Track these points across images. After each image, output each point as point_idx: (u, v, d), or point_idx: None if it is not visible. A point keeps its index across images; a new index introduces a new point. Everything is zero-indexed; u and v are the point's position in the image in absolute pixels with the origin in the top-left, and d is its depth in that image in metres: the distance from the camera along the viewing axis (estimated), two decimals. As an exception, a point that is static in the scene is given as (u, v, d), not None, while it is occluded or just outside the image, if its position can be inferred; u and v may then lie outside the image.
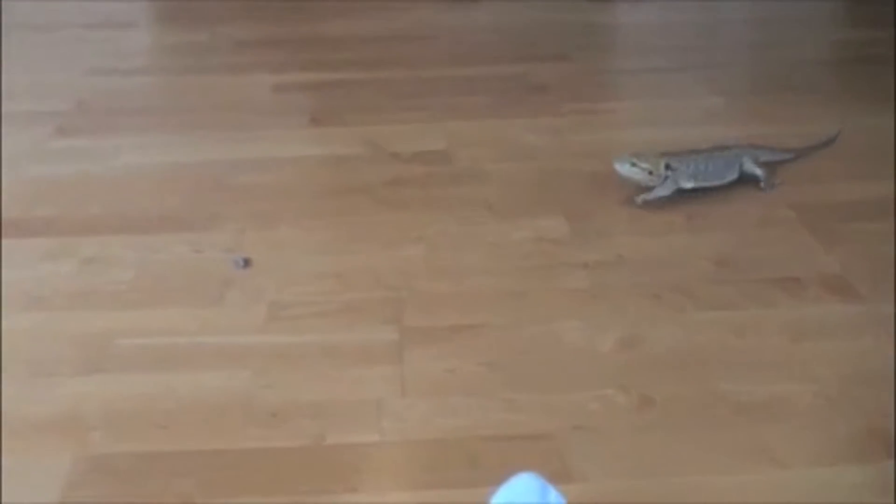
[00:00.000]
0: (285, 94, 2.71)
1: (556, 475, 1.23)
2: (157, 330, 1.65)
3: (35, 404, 1.48)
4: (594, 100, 2.64)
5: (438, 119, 2.49)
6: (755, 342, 1.60)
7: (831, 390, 1.48)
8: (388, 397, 1.48)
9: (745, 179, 2.06)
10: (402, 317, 1.67)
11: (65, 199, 2.10)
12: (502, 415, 1.44)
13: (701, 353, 1.57)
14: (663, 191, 1.98)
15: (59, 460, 1.37)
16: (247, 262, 1.84)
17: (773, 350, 1.58)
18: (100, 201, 2.09)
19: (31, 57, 3.02)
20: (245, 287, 1.77)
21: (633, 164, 1.97)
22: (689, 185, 2.00)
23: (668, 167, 1.97)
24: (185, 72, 2.92)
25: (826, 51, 3.06)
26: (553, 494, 1.09)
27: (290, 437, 1.41)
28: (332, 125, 2.49)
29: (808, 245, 1.87)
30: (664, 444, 1.39)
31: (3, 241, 1.92)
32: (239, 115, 2.55)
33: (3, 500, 1.29)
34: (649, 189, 1.99)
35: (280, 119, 2.53)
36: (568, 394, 1.48)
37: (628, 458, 1.36)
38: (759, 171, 2.04)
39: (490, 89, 2.70)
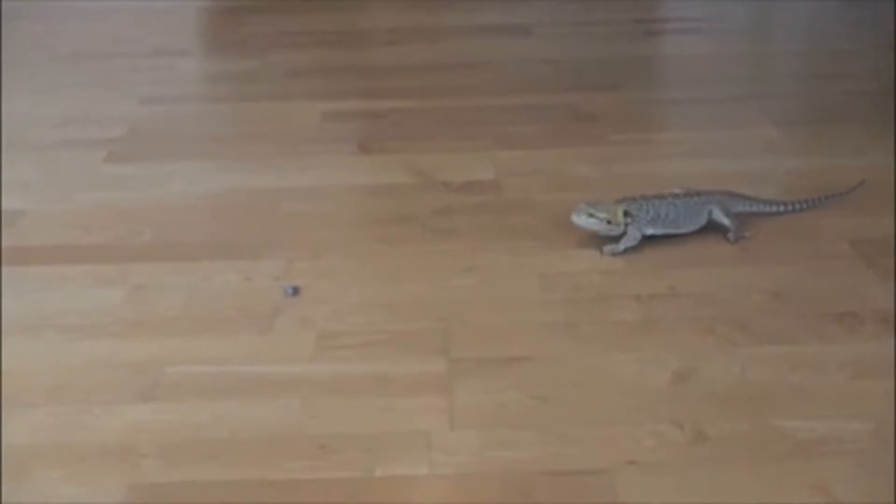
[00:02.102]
0: (334, 122, 2.73)
1: (610, 512, 1.22)
2: (207, 358, 1.67)
3: (88, 432, 1.50)
4: (644, 130, 2.64)
5: (488, 148, 2.50)
6: (812, 378, 1.58)
7: (889, 429, 1.45)
8: (437, 429, 1.48)
9: (714, 228, 2.00)
10: (451, 348, 1.67)
11: (116, 226, 2.13)
12: (554, 449, 1.44)
13: (756, 389, 1.56)
14: (629, 241, 1.94)
15: (112, 489, 1.38)
16: (296, 291, 1.85)
17: (830, 386, 1.56)
18: (150, 228, 2.12)
19: (84, 84, 3.07)
20: (294, 316, 1.78)
21: (591, 215, 1.93)
22: (648, 231, 1.95)
23: (626, 214, 1.94)
24: (235, 99, 2.96)
25: (884, 82, 3.02)
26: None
27: (338, 468, 1.41)
28: (380, 153, 2.51)
29: (864, 279, 1.85)
30: (719, 480, 1.37)
31: (54, 268, 1.95)
32: (288, 144, 2.57)
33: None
34: (613, 239, 1.95)
35: (329, 147, 2.55)
36: (621, 428, 1.47)
37: (682, 495, 1.35)
38: (726, 222, 1.98)
39: (539, 119, 2.70)
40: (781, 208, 2.09)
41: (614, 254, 1.94)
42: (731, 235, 1.98)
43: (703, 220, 1.99)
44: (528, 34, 3.49)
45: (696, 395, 1.54)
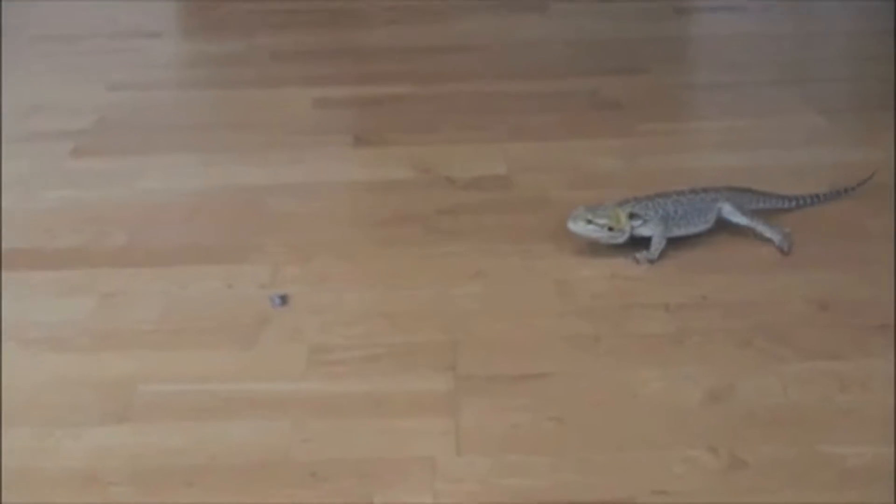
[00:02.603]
0: (327, 110, 2.74)
1: (635, 547, 1.22)
2: (185, 375, 1.67)
3: (51, 457, 1.50)
4: (676, 118, 2.64)
5: (498, 140, 2.50)
6: (861, 397, 1.58)
7: (949, 454, 1.45)
8: (442, 455, 1.48)
9: (731, 229, 2.01)
10: (457, 363, 1.67)
11: (83, 228, 2.13)
12: (573, 476, 1.44)
13: (800, 409, 1.55)
14: (659, 243, 1.94)
15: (77, 520, 1.39)
16: (284, 300, 1.85)
17: (880, 407, 1.55)
18: (122, 230, 2.12)
19: (48, 70, 3.07)
20: (282, 327, 1.78)
21: (590, 221, 1.93)
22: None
23: (633, 217, 1.94)
24: (216, 86, 2.96)
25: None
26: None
27: (332, 497, 1.41)
28: (378, 146, 2.51)
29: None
30: (758, 513, 1.37)
31: (15, 275, 1.95)
32: (276, 134, 2.57)
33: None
34: (609, 243, 1.94)
35: (321, 138, 2.55)
36: (648, 454, 1.47)
37: (717, 529, 1.35)
38: (744, 220, 1.99)
39: (556, 106, 2.70)
40: (794, 203, 2.09)
41: (651, 261, 1.94)
42: (777, 241, 1.96)
43: (710, 221, 2.00)
44: (543, 11, 3.49)
45: (732, 416, 1.54)
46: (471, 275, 1.92)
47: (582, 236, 1.96)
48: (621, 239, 1.95)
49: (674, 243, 1.97)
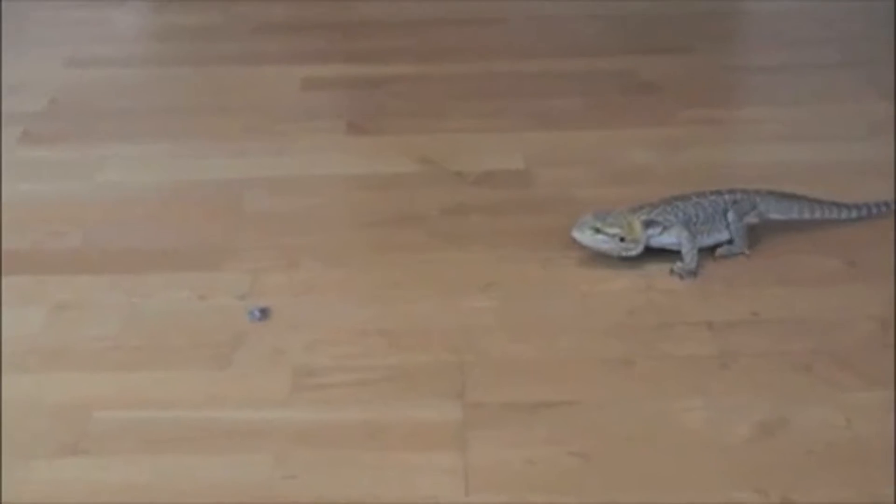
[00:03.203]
0: (316, 91, 2.74)
1: None
2: (149, 400, 1.67)
3: (-7, 494, 1.50)
4: (722, 105, 2.64)
5: (515, 128, 2.50)
6: (937, 432, 1.58)
7: None
8: (448, 495, 1.47)
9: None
10: (466, 389, 1.67)
11: (32, 227, 2.14)
12: (599, 523, 1.44)
13: (864, 446, 1.55)
14: (692, 253, 1.94)
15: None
16: (264, 313, 1.85)
17: (961, 444, 1.56)
18: (77, 230, 2.13)
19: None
20: (262, 345, 1.78)
21: (598, 231, 1.93)
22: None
23: (649, 225, 1.95)
24: (188, 63, 2.97)
25: None
26: None
27: (319, 545, 1.42)
28: (375, 134, 2.52)
29: None
30: (815, 567, 1.38)
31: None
32: (257, 120, 2.58)
33: None
34: (620, 256, 1.94)
35: (309, 125, 2.56)
36: (686, 496, 1.47)
37: (767, 586, 1.35)
38: (733, 222, 1.99)
39: (584, 90, 2.70)
40: (854, 213, 2.08)
41: (692, 273, 1.93)
42: (719, 251, 1.98)
43: (723, 230, 2.00)
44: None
45: (785, 453, 1.54)
46: (482, 285, 1.92)
47: (590, 248, 1.96)
48: (635, 251, 1.95)
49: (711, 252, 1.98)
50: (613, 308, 1.86)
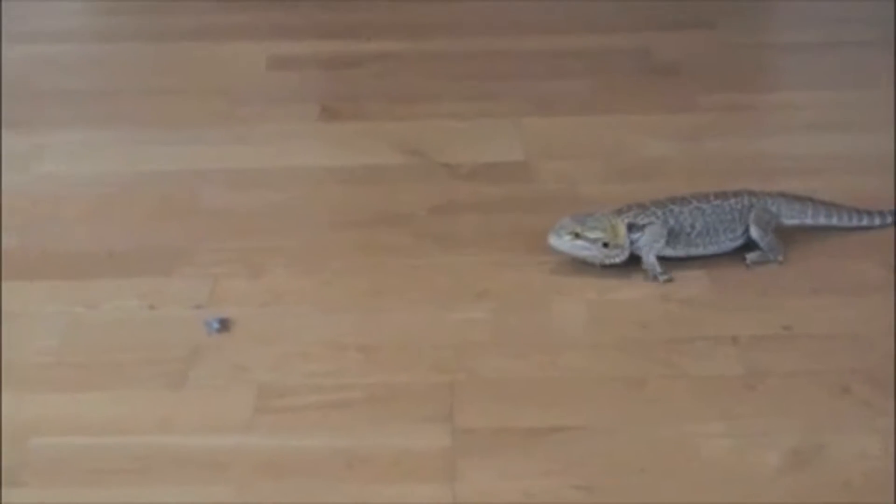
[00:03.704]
0: (285, 71, 2.75)
1: None
2: (94, 425, 1.66)
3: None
4: (749, 88, 2.64)
5: (514, 113, 2.51)
6: None
7: None
8: (435, 534, 1.48)
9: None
10: (456, 412, 1.67)
11: (-40, 226, 2.14)
12: (607, 565, 1.44)
13: (910, 477, 1.56)
14: (646, 255, 1.95)
15: None
16: (224, 325, 1.85)
17: None
18: (11, 229, 2.12)
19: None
20: (222, 362, 1.78)
21: (578, 235, 1.94)
22: (667, 251, 1.97)
23: (634, 229, 1.95)
24: (139, 38, 2.97)
25: None
26: None
27: (287, 590, 1.42)
28: (353, 120, 2.52)
29: None
30: None
31: None
32: (217, 104, 2.58)
33: None
34: (604, 264, 1.95)
35: (277, 110, 2.56)
36: (708, 536, 1.47)
37: None
38: (759, 236, 2.00)
39: (593, 70, 2.71)
40: (877, 220, 2.09)
41: (656, 278, 1.95)
42: (750, 257, 2.00)
43: (739, 236, 2.01)
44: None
45: (819, 485, 1.54)
46: (475, 294, 1.93)
47: (569, 254, 1.96)
48: (619, 258, 1.96)
49: (738, 257, 1.99)
50: (624, 320, 1.86)
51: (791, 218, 2.05)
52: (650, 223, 1.96)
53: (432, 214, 2.16)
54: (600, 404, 1.69)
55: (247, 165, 2.34)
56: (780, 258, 1.99)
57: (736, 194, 2.03)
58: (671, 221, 1.97)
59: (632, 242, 1.96)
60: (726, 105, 2.53)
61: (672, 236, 1.97)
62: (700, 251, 2.00)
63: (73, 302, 1.92)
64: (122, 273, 1.99)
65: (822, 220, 2.07)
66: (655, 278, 1.95)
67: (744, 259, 1.99)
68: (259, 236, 2.10)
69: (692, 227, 1.98)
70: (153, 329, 1.86)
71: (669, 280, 1.95)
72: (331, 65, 2.80)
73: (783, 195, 2.06)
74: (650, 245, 1.96)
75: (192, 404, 1.70)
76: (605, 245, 1.95)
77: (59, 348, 1.82)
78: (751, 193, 2.04)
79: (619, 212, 1.98)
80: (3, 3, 3.12)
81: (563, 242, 1.95)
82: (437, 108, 2.55)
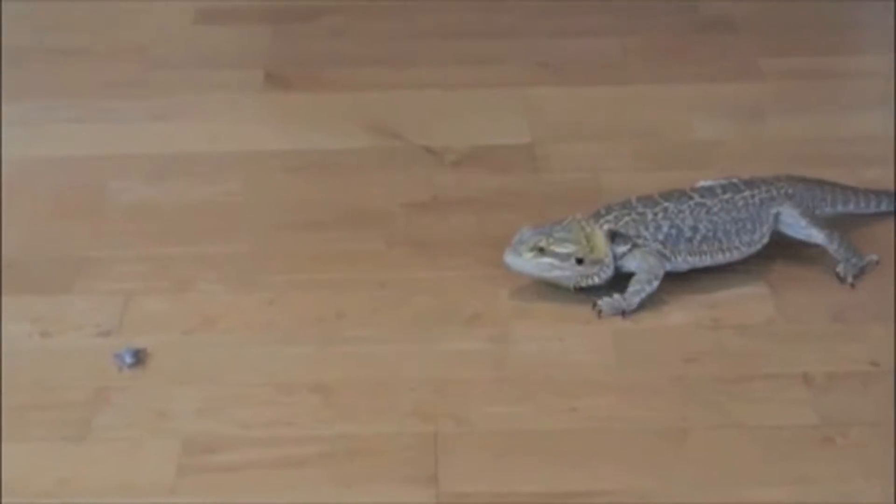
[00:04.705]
0: (219, 26, 2.76)
1: None
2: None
3: None
4: (823, 50, 2.67)
5: (517, 82, 2.53)
6: None
7: None
8: None
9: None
10: (441, 472, 1.67)
11: None
12: None
13: None
14: (640, 290, 1.95)
15: None
16: (138, 357, 1.85)
17: None
18: None
19: None
20: (136, 406, 1.78)
21: (543, 251, 1.94)
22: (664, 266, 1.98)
23: (617, 239, 1.95)
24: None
25: None
26: None
27: None
28: (307, 90, 2.53)
29: None
30: None
31: None
32: (131, 69, 2.60)
33: None
34: (584, 286, 1.96)
35: (209, 76, 2.58)
36: None
37: None
38: (817, 235, 2.03)
39: (623, 26, 2.72)
40: (885, 205, 2.15)
41: (625, 313, 1.94)
42: (841, 269, 2.01)
43: (761, 235, 2.03)
44: None
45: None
46: (465, 318, 1.94)
47: (530, 275, 1.96)
48: (601, 277, 1.96)
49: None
50: (663, 353, 1.87)
51: (821, 206, 2.08)
52: (640, 243, 1.96)
53: (411, 214, 2.17)
54: (629, 462, 1.69)
55: (168, 150, 2.34)
56: (875, 258, 2.01)
57: (748, 183, 2.04)
58: (665, 226, 1.97)
59: (616, 257, 1.96)
60: (793, 71, 2.55)
61: (669, 243, 1.97)
62: (707, 261, 2.00)
63: (-55, 327, 1.93)
64: (9, 289, 1.99)
65: (839, 208, 2.12)
66: (624, 313, 1.94)
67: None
68: (183, 242, 2.11)
69: (694, 229, 1.99)
70: (47, 363, 1.86)
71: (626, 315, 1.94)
72: (277, 17, 2.81)
73: (790, 177, 2.08)
74: (641, 286, 1.95)
75: (98, 462, 1.70)
76: (580, 262, 1.94)
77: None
78: (763, 181, 2.05)
79: (597, 216, 1.97)
80: None
81: (522, 262, 1.94)
82: (415, 75, 2.56)
